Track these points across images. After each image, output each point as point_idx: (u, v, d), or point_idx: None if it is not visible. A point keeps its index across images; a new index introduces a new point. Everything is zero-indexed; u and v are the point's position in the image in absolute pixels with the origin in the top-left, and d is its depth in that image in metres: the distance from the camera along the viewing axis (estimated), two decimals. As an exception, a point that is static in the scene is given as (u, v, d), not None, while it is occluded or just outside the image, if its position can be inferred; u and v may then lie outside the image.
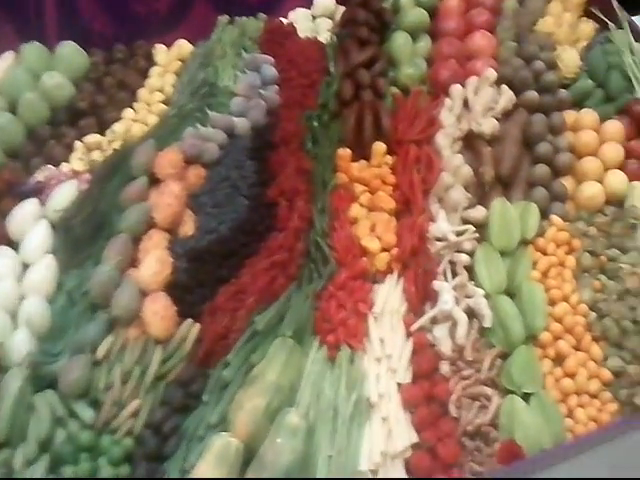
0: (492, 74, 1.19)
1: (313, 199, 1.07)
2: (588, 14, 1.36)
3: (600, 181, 1.10)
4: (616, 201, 1.10)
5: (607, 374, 0.93)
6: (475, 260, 1.02)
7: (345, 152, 1.13)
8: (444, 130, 1.15)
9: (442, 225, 1.02)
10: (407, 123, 1.14)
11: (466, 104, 1.19)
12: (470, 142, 1.17)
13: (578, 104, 1.22)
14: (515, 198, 1.10)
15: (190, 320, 0.97)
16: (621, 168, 1.12)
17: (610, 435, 0.88)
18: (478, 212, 1.06)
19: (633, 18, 1.59)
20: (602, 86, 1.22)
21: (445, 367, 0.94)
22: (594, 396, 0.93)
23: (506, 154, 1.11)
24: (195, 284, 1.01)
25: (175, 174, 1.09)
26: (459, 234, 1.04)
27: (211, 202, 1.09)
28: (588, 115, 1.16)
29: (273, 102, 1.20)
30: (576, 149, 1.14)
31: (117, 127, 1.24)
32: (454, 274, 1.02)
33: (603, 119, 1.17)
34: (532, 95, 1.17)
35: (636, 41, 1.26)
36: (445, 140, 1.13)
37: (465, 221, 1.07)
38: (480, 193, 1.10)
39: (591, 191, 1.07)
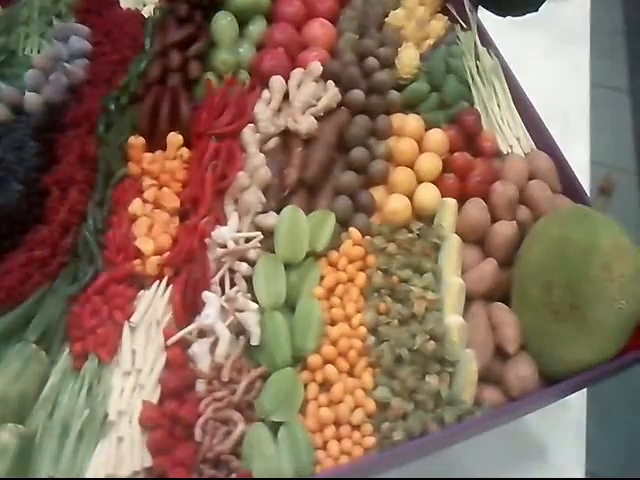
0: (317, 68, 1.10)
1: (92, 190, 0.98)
2: (445, 11, 1.27)
3: (411, 194, 1.03)
4: (426, 217, 1.03)
5: (372, 405, 0.87)
6: (255, 271, 0.94)
7: (138, 141, 1.02)
8: (253, 126, 1.06)
9: (222, 230, 0.94)
10: (213, 114, 1.04)
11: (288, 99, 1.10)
12: (286, 141, 1.08)
13: (411, 108, 1.14)
14: (320, 205, 1.01)
15: None
16: (437, 182, 1.04)
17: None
18: (270, 218, 0.97)
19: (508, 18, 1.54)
20: (438, 90, 1.14)
21: (201, 386, 0.87)
22: (356, 427, 0.87)
23: (314, 157, 1.03)
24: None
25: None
26: (248, 241, 0.96)
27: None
28: (411, 121, 1.08)
29: (77, 78, 1.09)
30: (394, 157, 1.06)
31: None
32: (233, 285, 0.94)
33: (433, 126, 1.09)
34: (356, 94, 1.09)
35: (483, 45, 1.18)
36: (252, 137, 1.04)
37: (257, 227, 0.98)
38: (282, 198, 1.01)
39: (394, 205, 0.99)
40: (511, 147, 1.11)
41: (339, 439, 0.85)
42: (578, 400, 1.29)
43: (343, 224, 1.00)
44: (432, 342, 0.89)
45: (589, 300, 0.87)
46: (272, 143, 1.08)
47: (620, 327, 0.88)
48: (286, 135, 1.08)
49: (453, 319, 0.92)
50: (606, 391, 1.36)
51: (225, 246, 0.94)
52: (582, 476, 1.20)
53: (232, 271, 0.95)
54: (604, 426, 1.27)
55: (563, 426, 1.26)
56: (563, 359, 0.91)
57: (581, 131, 1.85)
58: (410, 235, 0.99)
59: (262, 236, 0.95)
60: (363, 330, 0.92)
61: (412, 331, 0.91)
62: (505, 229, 1.00)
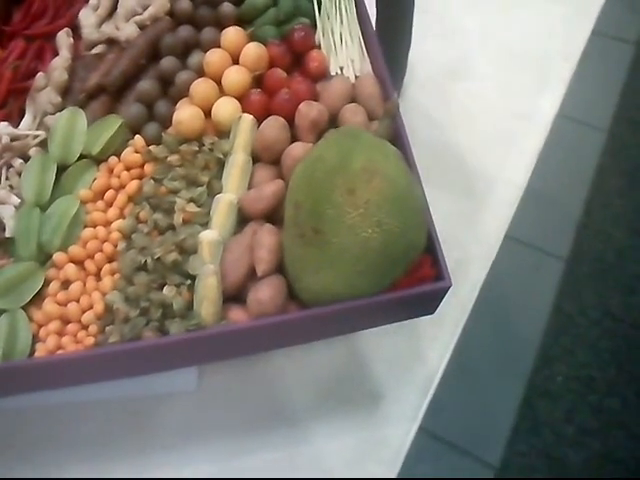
0: (147, -25, 1.07)
1: None
2: None
3: (210, 107, 0.99)
4: (222, 131, 0.99)
5: (101, 307, 0.87)
6: (26, 167, 0.95)
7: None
8: (68, 29, 1.05)
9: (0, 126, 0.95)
10: (29, 16, 1.05)
11: (120, 6, 1.08)
12: (111, 48, 1.07)
13: (248, 22, 1.09)
14: (120, 112, 1.01)
15: None
16: (243, 98, 1.00)
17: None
18: (54, 120, 0.98)
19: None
20: (276, 4, 1.08)
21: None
22: (85, 327, 0.87)
23: (119, 64, 1.01)
24: None
25: None
26: (35, 138, 0.97)
27: None
28: (229, 33, 1.03)
29: None
30: (205, 69, 1.02)
31: None
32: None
33: (260, 42, 1.04)
34: (183, 4, 1.05)
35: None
36: (65, 40, 1.04)
37: (46, 128, 0.99)
38: (81, 101, 1.01)
39: (179, 115, 0.96)
40: (341, 69, 1.03)
41: (62, 335, 0.86)
42: (437, 356, 1.22)
43: (135, 132, 0.98)
44: (174, 253, 0.87)
45: (331, 225, 0.81)
46: (98, 50, 1.07)
47: (370, 257, 0.81)
48: (114, 43, 1.07)
49: (207, 233, 0.89)
50: (474, 355, 1.28)
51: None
52: (413, 431, 1.15)
53: (10, 166, 0.96)
54: (460, 388, 1.20)
55: (411, 379, 1.20)
56: (310, 287, 0.86)
57: (558, 81, 1.71)
58: (195, 148, 0.96)
59: (45, 135, 0.96)
60: (117, 235, 0.91)
61: (162, 241, 0.89)
62: (296, 151, 0.94)
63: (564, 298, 1.43)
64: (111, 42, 1.07)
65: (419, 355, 1.23)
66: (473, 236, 1.44)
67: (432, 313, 0.96)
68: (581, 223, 1.53)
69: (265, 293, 0.85)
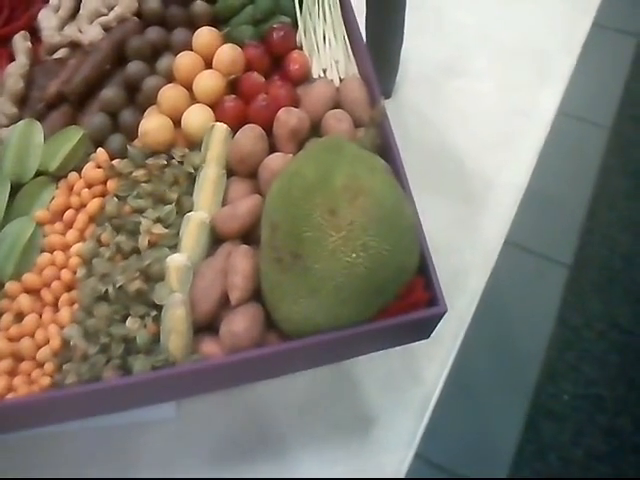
0: (112, -28, 0.98)
1: None
2: None
3: (180, 116, 0.90)
4: (193, 143, 0.90)
5: (58, 342, 0.78)
6: (-24, 187, 0.86)
7: None
8: (25, 33, 0.96)
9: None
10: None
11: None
12: (73, 52, 0.98)
13: (225, 22, 1.00)
14: (83, 123, 0.92)
15: None
16: (215, 104, 0.91)
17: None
18: (8, 133, 0.89)
19: None
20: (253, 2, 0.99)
21: None
22: (40, 365, 0.78)
23: (81, 70, 0.92)
24: None
25: None
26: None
27: None
28: (202, 34, 0.94)
29: None
30: (175, 74, 0.93)
31: None
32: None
33: (237, 43, 0.95)
34: (151, 3, 0.97)
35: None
36: (22, 44, 0.95)
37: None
38: (40, 111, 0.92)
39: (146, 125, 0.87)
40: (324, 71, 0.94)
41: (16, 374, 0.78)
42: (433, 375, 1.15)
43: (98, 145, 0.90)
44: (138, 281, 0.78)
45: (311, 249, 0.73)
46: (60, 54, 0.98)
47: (355, 284, 0.73)
48: (77, 47, 0.98)
49: (175, 258, 0.80)
50: (473, 373, 1.20)
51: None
52: (409, 458, 1.07)
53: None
54: (458, 409, 1.12)
55: (406, 401, 1.13)
56: (290, 317, 0.77)
57: (558, 76, 1.64)
58: (163, 161, 0.87)
59: (0, 149, 0.87)
60: (76, 261, 0.82)
61: (125, 267, 0.80)
62: (275, 163, 0.86)
63: (568, 309, 1.34)
64: (73, 46, 0.98)
65: (414, 374, 1.16)
66: (471, 242, 1.36)
67: (426, 338, 0.88)
68: (585, 227, 1.45)
69: (239, 325, 0.76)
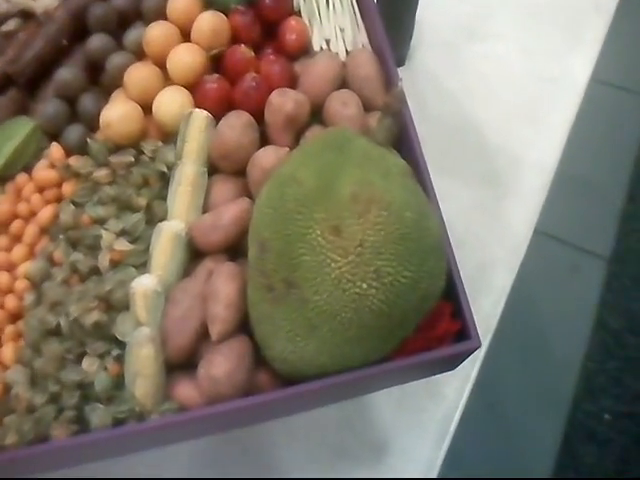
0: None
1: None
2: None
3: (151, 101, 0.74)
4: (167, 134, 0.74)
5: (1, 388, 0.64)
6: None
7: None
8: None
9: None
10: None
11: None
12: (24, 24, 0.82)
13: None
14: (36, 111, 0.76)
15: None
16: (193, 86, 0.75)
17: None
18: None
19: None
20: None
21: None
22: (-21, 415, 0.64)
23: (31, 46, 0.76)
24: None
25: None
26: None
27: None
28: (178, 0, 0.77)
29: None
30: (145, 49, 0.77)
31: None
32: None
33: (221, 10, 0.78)
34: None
35: None
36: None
37: None
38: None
39: (108, 114, 0.71)
40: (328, 42, 0.77)
41: (-51, 428, 0.63)
42: (454, 392, 1.02)
43: (53, 138, 0.74)
44: (96, 312, 0.63)
45: (309, 277, 0.57)
46: (8, 26, 0.82)
47: (366, 320, 0.57)
48: (29, 17, 0.81)
49: (142, 281, 0.65)
50: (500, 388, 1.06)
51: None
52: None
53: None
54: (483, 431, 0.98)
55: (424, 423, 0.99)
56: (285, 356, 0.62)
57: (591, 40, 1.47)
58: (130, 158, 0.71)
59: None
60: (24, 284, 0.67)
61: (83, 292, 0.65)
62: (267, 159, 0.69)
63: (608, 309, 1.19)
64: (24, 16, 0.81)
65: (432, 391, 1.02)
66: (496, 233, 1.21)
67: (453, 369, 0.73)
68: (624, 213, 1.28)
69: (220, 368, 0.61)
